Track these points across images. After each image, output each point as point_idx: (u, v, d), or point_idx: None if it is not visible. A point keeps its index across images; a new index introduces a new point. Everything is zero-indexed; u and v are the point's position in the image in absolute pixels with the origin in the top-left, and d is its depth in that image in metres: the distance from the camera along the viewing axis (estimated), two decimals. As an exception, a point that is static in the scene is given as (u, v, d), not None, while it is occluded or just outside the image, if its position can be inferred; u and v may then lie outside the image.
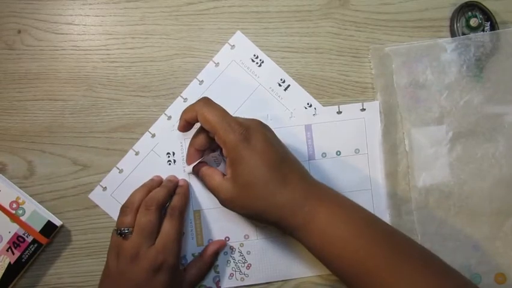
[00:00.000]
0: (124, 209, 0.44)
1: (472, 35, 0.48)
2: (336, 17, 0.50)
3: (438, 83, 0.48)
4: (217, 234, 0.49)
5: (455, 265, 0.39)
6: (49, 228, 0.46)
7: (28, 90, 0.48)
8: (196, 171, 0.45)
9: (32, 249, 0.46)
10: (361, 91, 0.50)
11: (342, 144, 0.49)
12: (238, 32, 0.49)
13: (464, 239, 0.48)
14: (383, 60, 0.49)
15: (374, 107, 0.49)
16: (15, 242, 0.46)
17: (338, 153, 0.49)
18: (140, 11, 0.49)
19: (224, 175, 0.42)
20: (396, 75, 0.48)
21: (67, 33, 0.49)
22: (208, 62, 0.49)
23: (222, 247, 0.48)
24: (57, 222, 0.47)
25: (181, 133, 0.47)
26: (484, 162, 0.48)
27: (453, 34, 0.49)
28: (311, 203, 0.39)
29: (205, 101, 0.42)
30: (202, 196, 0.48)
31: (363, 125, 0.49)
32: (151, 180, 0.48)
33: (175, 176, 0.48)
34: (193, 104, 0.43)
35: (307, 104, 0.49)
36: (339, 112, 0.49)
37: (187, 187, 0.48)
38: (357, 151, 0.49)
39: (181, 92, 0.49)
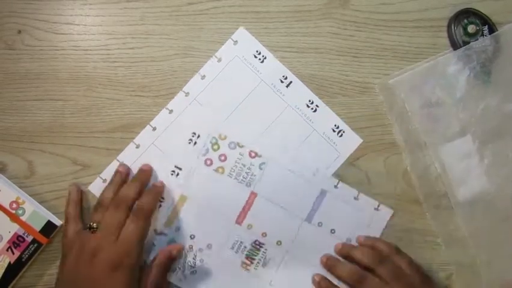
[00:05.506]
0: (96, 206, 0.45)
1: (472, 43, 0.48)
2: (336, 17, 0.50)
3: (451, 98, 0.48)
4: (188, 228, 0.48)
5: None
6: (49, 228, 0.46)
7: (28, 90, 0.48)
8: None
9: (32, 249, 0.46)
10: (361, 91, 0.50)
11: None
12: (241, 28, 0.49)
13: None
14: (391, 90, 0.49)
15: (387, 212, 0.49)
16: (15, 241, 0.46)
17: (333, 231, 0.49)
18: (140, 11, 0.49)
19: None
20: (408, 103, 0.48)
21: (67, 33, 0.49)
22: (207, 62, 0.49)
23: (178, 251, 0.47)
24: (57, 222, 0.47)
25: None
26: None
27: (453, 44, 0.49)
28: None
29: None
30: (198, 185, 0.48)
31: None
32: (119, 174, 0.47)
33: (148, 165, 0.48)
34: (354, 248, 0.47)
35: (309, 101, 0.49)
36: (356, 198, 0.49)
37: (162, 190, 0.47)
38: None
39: (182, 87, 0.49)
